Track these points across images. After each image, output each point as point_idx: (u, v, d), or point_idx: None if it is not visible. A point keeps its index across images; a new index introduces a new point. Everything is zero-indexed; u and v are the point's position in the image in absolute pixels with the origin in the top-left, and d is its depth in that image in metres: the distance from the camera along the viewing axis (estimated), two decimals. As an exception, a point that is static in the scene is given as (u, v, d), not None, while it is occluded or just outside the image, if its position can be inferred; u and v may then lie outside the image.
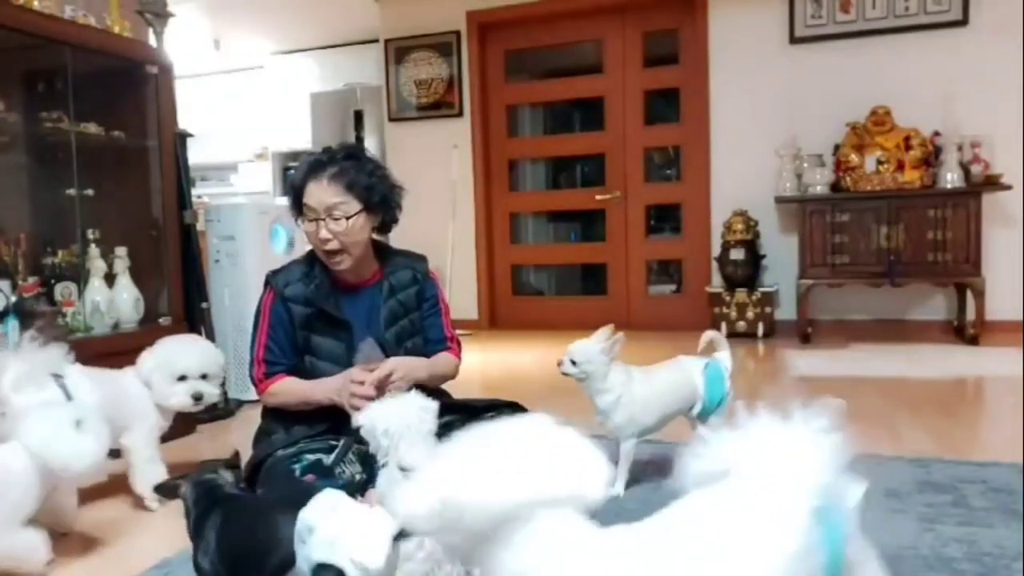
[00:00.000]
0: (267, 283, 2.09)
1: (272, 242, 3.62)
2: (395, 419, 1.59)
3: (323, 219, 1.95)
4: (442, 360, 2.14)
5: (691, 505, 0.94)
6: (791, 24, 4.99)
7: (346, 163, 1.99)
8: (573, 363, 2.01)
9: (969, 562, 1.57)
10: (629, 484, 2.09)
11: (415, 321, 2.14)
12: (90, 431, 1.74)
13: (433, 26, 5.84)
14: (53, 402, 1.93)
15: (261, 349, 2.04)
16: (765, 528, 0.88)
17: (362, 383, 1.87)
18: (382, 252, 2.15)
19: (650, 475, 2.15)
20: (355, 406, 1.83)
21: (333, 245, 1.97)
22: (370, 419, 1.62)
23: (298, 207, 2.03)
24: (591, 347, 2.00)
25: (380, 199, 2.02)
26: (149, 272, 3.14)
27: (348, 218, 1.95)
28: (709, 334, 2.20)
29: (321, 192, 1.96)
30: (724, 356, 2.16)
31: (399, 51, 5.96)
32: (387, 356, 1.99)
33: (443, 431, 1.60)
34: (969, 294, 4.47)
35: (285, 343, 2.03)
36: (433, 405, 1.66)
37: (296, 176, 2.03)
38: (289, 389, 2.03)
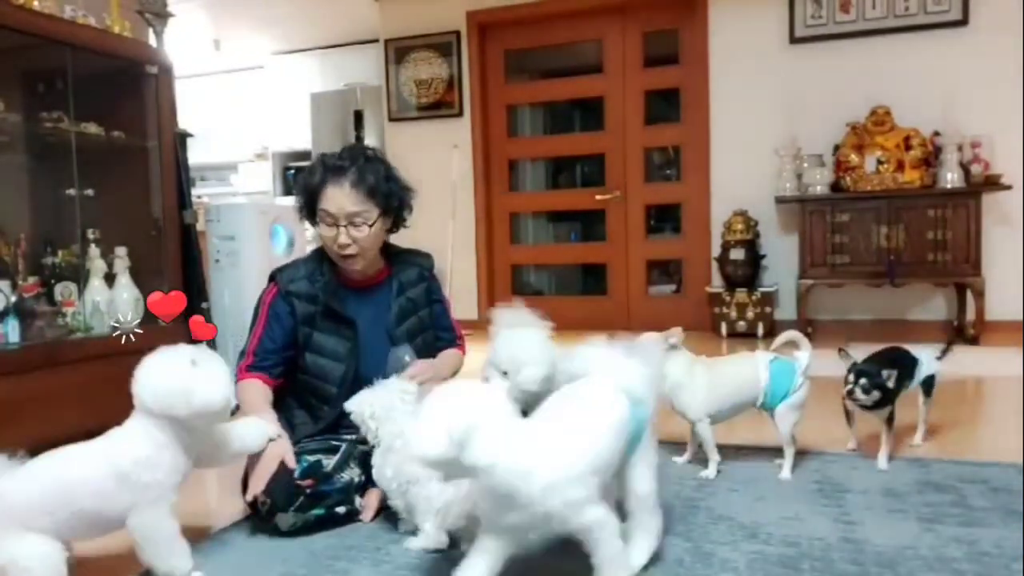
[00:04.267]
0: (271, 278, 2.08)
1: (272, 242, 3.63)
2: (379, 402, 1.80)
3: (343, 225, 1.95)
4: (453, 357, 2.24)
5: (556, 397, 1.54)
6: (791, 24, 4.99)
7: (365, 167, 1.98)
8: None
9: (969, 562, 1.57)
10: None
11: (424, 318, 2.18)
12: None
13: (433, 26, 5.83)
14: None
15: (255, 341, 2.03)
16: (603, 405, 1.49)
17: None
18: (387, 250, 2.17)
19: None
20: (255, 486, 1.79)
21: (352, 250, 1.98)
22: (358, 404, 1.82)
23: (311, 210, 2.01)
24: (654, 338, 2.14)
25: (397, 203, 2.04)
26: (149, 272, 3.14)
27: (369, 225, 1.97)
28: (788, 334, 2.27)
29: (343, 198, 1.95)
30: (802, 355, 2.20)
31: (399, 51, 5.96)
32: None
33: None
34: (969, 294, 4.47)
35: (280, 341, 2.01)
36: (412, 387, 1.83)
37: (312, 179, 1.99)
38: (245, 395, 1.93)
